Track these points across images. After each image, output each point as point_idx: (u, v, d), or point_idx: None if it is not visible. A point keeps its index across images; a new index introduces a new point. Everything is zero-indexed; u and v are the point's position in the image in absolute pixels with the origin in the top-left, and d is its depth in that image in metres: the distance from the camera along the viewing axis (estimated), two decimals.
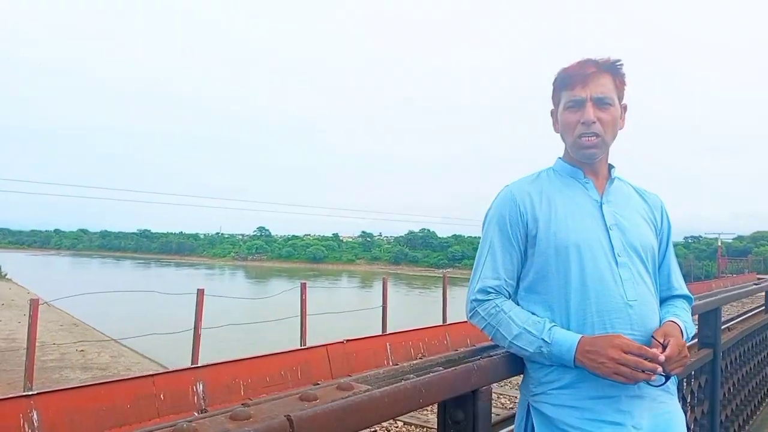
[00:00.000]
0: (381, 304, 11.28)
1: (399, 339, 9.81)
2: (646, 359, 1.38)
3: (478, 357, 1.57)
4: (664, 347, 1.42)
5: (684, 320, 1.57)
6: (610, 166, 1.69)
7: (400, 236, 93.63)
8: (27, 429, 4.96)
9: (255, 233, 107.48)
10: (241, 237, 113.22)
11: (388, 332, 10.35)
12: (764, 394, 4.68)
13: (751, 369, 4.16)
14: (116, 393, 5.73)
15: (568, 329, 1.49)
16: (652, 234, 1.64)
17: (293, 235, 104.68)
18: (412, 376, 1.33)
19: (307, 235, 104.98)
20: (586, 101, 1.55)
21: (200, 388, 6.46)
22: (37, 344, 15.20)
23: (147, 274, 61.80)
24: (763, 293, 4.94)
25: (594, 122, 1.55)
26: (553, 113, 1.68)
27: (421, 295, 41.51)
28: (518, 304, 1.59)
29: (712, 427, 3.21)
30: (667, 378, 1.45)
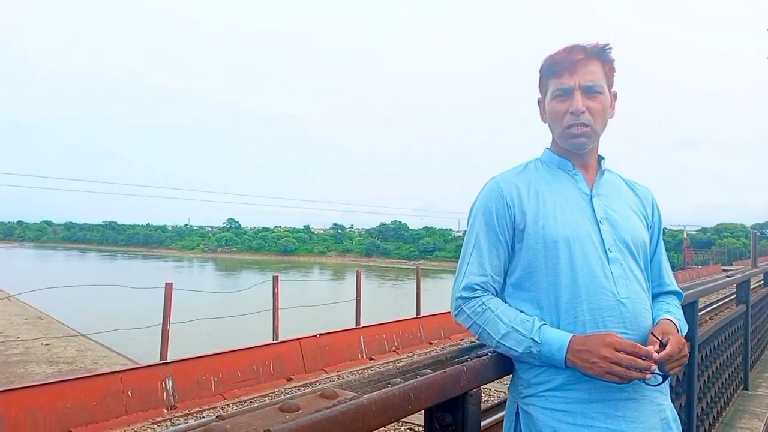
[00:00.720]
0: (354, 296, 11.17)
1: (373, 332, 9.74)
2: (640, 358, 1.32)
3: (467, 357, 1.49)
4: (663, 345, 1.36)
5: (678, 317, 1.52)
6: (600, 157, 1.63)
7: (372, 228, 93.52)
8: None
9: (224, 225, 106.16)
10: (210, 229, 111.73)
11: (361, 325, 10.26)
12: (737, 384, 4.75)
13: (724, 360, 4.20)
14: (82, 390, 5.53)
15: (558, 328, 1.42)
16: (644, 228, 1.58)
17: (264, 227, 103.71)
18: (399, 380, 1.25)
19: (278, 227, 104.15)
20: (575, 90, 1.49)
21: (170, 384, 6.29)
22: (0, 338, 14.76)
23: (113, 267, 60.59)
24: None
25: (583, 111, 1.48)
26: (540, 102, 1.61)
27: (393, 287, 41.57)
28: (505, 302, 1.52)
29: (689, 421, 3.21)
30: (665, 377, 1.40)
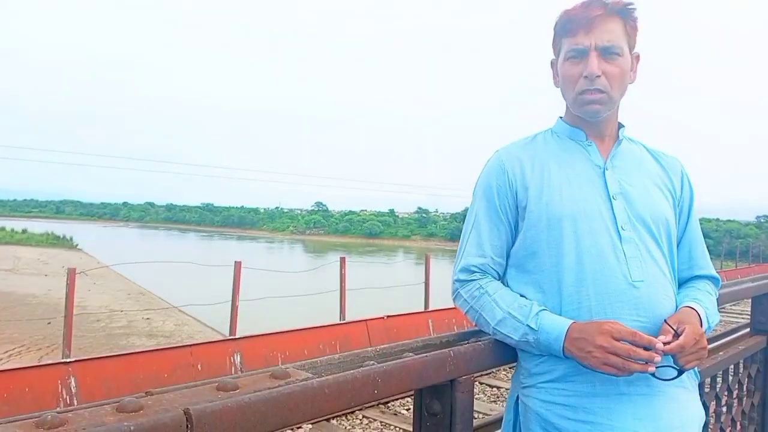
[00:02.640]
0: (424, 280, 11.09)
1: (442, 316, 9.62)
2: (644, 348, 1.17)
3: (464, 342, 1.39)
4: (678, 334, 1.20)
5: (705, 306, 1.33)
6: (620, 126, 1.45)
7: (457, 213, 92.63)
8: (65, 394, 5.12)
9: (313, 208, 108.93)
10: (299, 212, 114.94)
11: (430, 309, 10.17)
12: None
13: None
14: (154, 361, 5.85)
15: (561, 314, 1.29)
16: (668, 204, 1.40)
17: (350, 210, 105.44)
18: (372, 363, 1.17)
19: (364, 210, 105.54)
20: (590, 50, 1.32)
21: (238, 359, 6.53)
22: (106, 312, 15.94)
23: (211, 246, 63.20)
24: None
25: (599, 76, 1.32)
26: (553, 64, 1.45)
27: None
28: (507, 285, 1.40)
29: (764, 420, 2.92)
30: (680, 372, 1.23)
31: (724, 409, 2.58)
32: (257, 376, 1.03)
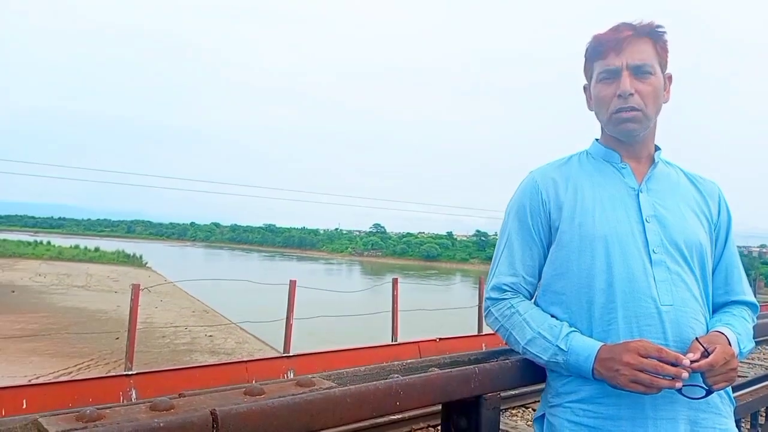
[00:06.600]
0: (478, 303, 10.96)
1: (496, 340, 9.38)
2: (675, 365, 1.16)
3: (492, 360, 1.41)
4: (708, 353, 1.18)
5: (737, 331, 1.30)
6: (656, 148, 1.45)
7: None
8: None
9: (371, 230, 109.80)
10: (358, 233, 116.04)
11: (484, 333, 10.02)
12: None
13: None
14: (209, 377, 6.03)
15: (591, 336, 1.29)
16: (703, 228, 1.38)
17: (408, 233, 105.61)
18: (397, 375, 1.21)
19: (421, 232, 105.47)
20: (622, 70, 1.34)
21: (291, 375, 6.64)
22: (171, 328, 16.52)
23: (273, 267, 64.20)
24: None
25: (632, 94, 1.33)
26: (586, 89, 1.47)
27: None
28: (537, 305, 1.41)
29: None
30: (709, 392, 1.21)
31: None
32: (284, 383, 1.09)
